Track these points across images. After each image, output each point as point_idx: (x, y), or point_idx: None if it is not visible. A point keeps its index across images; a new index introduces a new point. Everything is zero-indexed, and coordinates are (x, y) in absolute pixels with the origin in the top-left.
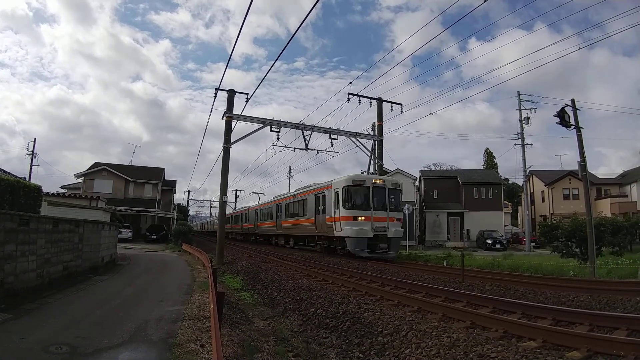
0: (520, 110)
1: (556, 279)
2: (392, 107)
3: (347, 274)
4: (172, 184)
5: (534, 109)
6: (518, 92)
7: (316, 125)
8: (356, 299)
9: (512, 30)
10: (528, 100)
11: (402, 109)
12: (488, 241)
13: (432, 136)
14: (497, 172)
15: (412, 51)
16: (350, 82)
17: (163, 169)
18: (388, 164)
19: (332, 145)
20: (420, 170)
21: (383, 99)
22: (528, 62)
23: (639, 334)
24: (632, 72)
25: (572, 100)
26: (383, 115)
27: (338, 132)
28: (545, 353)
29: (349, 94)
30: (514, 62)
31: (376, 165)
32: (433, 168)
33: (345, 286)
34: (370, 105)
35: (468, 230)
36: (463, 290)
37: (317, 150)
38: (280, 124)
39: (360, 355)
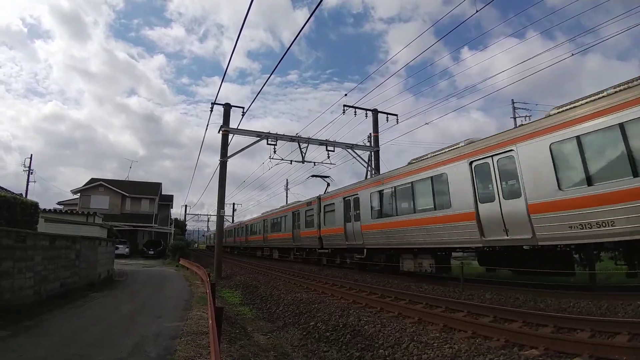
0: (514, 118)
1: (556, 286)
2: (387, 117)
3: (346, 286)
4: (169, 198)
5: (529, 116)
6: (512, 100)
7: (312, 138)
8: (356, 311)
9: (504, 39)
10: (522, 108)
11: (397, 119)
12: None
13: (428, 145)
14: None
15: (406, 62)
16: (346, 94)
17: (160, 183)
18: None
19: (328, 157)
20: None
21: (378, 110)
22: (521, 70)
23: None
24: (627, 75)
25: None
26: (379, 126)
27: (335, 144)
28: None
29: (344, 105)
30: (507, 71)
31: (373, 176)
32: None
33: (345, 299)
34: (366, 116)
35: None
36: (463, 300)
37: (314, 163)
38: (276, 137)
39: None
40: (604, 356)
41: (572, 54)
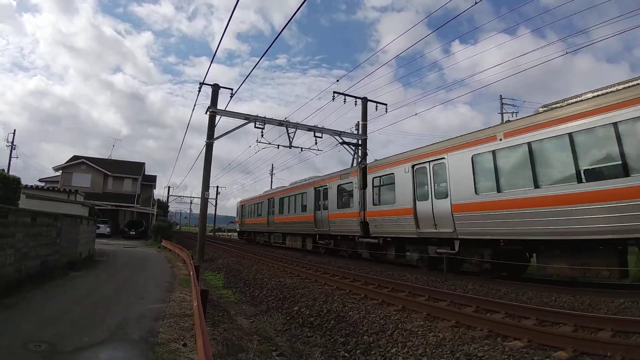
0: (502, 114)
1: (537, 280)
2: (376, 107)
3: (329, 272)
4: (152, 179)
5: (516, 112)
6: (500, 95)
7: (301, 123)
8: (340, 297)
9: (496, 35)
10: (510, 104)
11: (386, 109)
12: None
13: (415, 137)
14: None
15: (398, 52)
16: (337, 81)
17: (143, 163)
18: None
19: (316, 143)
20: None
21: (368, 98)
22: (511, 67)
23: (624, 335)
24: (616, 78)
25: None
26: (368, 114)
27: (323, 130)
28: (531, 353)
29: (334, 92)
30: (497, 66)
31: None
32: None
33: (329, 285)
34: (355, 104)
35: None
36: (446, 289)
37: (301, 148)
38: (264, 121)
39: (345, 354)
40: (588, 351)
41: (567, 52)
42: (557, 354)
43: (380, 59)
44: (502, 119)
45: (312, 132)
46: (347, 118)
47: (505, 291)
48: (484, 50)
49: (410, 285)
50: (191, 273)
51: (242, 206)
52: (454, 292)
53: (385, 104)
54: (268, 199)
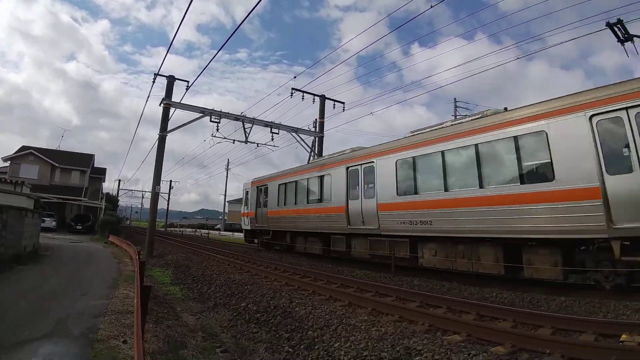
0: (455, 116)
1: (482, 275)
2: (334, 105)
3: (280, 268)
4: (102, 171)
5: (467, 115)
6: (455, 98)
7: (257, 118)
8: (288, 293)
9: (454, 39)
10: (463, 107)
11: (344, 107)
12: None
13: (371, 136)
14: None
15: (358, 50)
16: (295, 77)
17: (93, 155)
18: None
19: (272, 139)
20: None
21: (326, 96)
22: (467, 71)
23: (564, 333)
24: (570, 85)
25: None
26: (325, 112)
27: (280, 126)
28: (469, 347)
29: (292, 89)
30: (453, 69)
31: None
32: None
33: (278, 281)
34: (313, 101)
35: None
36: (393, 285)
37: (257, 144)
38: (220, 115)
39: (289, 349)
40: (527, 347)
41: (518, 57)
42: (495, 349)
43: (341, 57)
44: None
45: (269, 128)
46: (305, 115)
47: (449, 287)
48: (442, 53)
49: (359, 282)
50: (136, 269)
51: (258, 189)
52: (400, 287)
53: (343, 102)
54: (347, 167)
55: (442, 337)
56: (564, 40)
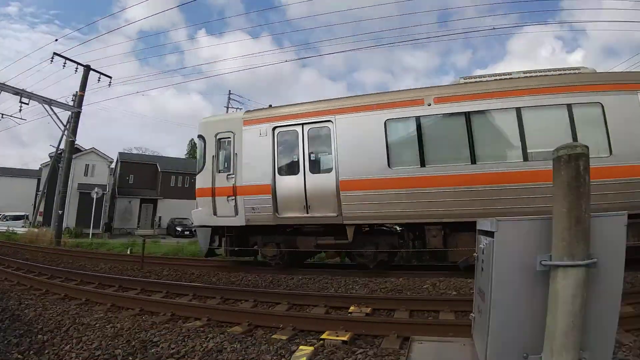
0: (227, 108)
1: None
2: (99, 78)
3: (14, 265)
4: None
5: (240, 108)
6: (229, 90)
7: (6, 84)
8: (18, 294)
9: (240, 32)
10: (237, 100)
11: (110, 82)
12: (178, 228)
13: (142, 119)
14: None
15: (139, 22)
16: (56, 40)
17: None
18: (85, 141)
19: (20, 110)
20: (120, 153)
21: (92, 67)
22: (246, 66)
23: (297, 308)
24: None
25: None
26: (89, 85)
27: (31, 95)
28: (208, 330)
29: (54, 53)
30: (234, 62)
31: (68, 141)
32: (135, 152)
33: (9, 280)
34: (76, 71)
35: (160, 217)
36: (140, 277)
37: (2, 115)
38: None
39: (19, 356)
40: (262, 324)
41: (286, 61)
42: (232, 329)
43: (123, 30)
44: (227, 112)
45: (19, 97)
46: (67, 86)
47: (198, 274)
48: (226, 42)
49: (101, 276)
50: None
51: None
52: (147, 279)
53: (110, 77)
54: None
55: (182, 324)
56: (332, 51)
